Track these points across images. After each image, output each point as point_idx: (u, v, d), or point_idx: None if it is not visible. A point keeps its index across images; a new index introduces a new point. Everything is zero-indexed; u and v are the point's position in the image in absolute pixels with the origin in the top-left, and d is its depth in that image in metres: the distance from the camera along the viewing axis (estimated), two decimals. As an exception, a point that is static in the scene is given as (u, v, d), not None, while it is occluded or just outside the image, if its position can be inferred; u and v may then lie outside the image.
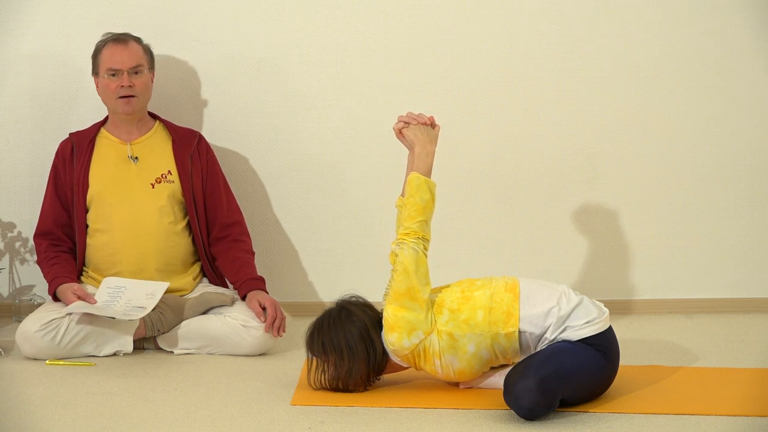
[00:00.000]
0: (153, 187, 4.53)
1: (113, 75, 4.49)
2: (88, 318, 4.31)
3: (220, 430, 3.60)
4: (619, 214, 4.98)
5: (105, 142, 4.58)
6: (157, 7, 4.83)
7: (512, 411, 3.66)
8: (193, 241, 4.58)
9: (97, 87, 4.57)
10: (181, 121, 4.79)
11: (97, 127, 4.62)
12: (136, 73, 4.50)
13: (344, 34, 4.87)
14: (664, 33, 4.88)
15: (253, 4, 4.85)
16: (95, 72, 4.55)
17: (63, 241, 4.56)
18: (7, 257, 4.91)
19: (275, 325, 4.37)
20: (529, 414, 3.62)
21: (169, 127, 4.64)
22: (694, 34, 4.87)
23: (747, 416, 3.67)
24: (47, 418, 3.68)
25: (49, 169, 4.65)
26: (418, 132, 3.93)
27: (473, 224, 4.97)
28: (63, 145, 4.61)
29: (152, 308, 4.29)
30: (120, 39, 4.52)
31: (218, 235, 4.61)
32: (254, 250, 4.66)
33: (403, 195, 3.92)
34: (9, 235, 4.90)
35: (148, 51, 4.57)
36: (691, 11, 4.86)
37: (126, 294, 4.34)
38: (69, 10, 4.82)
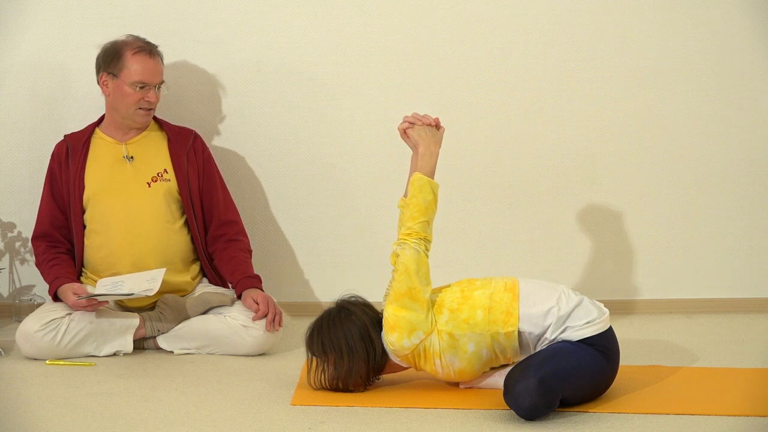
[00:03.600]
0: (149, 186, 4.51)
1: (141, 88, 4.45)
2: (89, 317, 4.31)
3: (220, 430, 3.60)
4: (620, 214, 4.98)
5: (100, 143, 4.57)
6: (157, 7, 4.83)
7: (512, 411, 3.66)
8: (192, 239, 4.58)
9: (104, 85, 4.50)
10: (181, 121, 4.79)
11: (91, 128, 4.60)
12: (159, 88, 4.50)
13: (344, 34, 4.87)
14: (664, 33, 4.88)
15: (253, 4, 4.85)
16: (112, 72, 4.46)
17: (61, 242, 4.55)
18: (7, 257, 4.91)
19: (268, 319, 4.35)
20: (529, 414, 3.62)
21: (164, 125, 4.62)
22: (694, 34, 4.87)
23: (747, 416, 3.67)
24: (47, 418, 3.68)
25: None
26: (422, 132, 3.93)
27: (474, 224, 4.97)
28: (58, 147, 4.59)
29: (158, 287, 4.26)
30: (153, 51, 4.46)
31: (215, 233, 4.60)
32: (252, 249, 4.65)
33: (405, 195, 3.92)
34: (9, 235, 4.90)
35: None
36: (691, 11, 4.86)
37: (126, 285, 4.33)
38: (69, 11, 4.82)
